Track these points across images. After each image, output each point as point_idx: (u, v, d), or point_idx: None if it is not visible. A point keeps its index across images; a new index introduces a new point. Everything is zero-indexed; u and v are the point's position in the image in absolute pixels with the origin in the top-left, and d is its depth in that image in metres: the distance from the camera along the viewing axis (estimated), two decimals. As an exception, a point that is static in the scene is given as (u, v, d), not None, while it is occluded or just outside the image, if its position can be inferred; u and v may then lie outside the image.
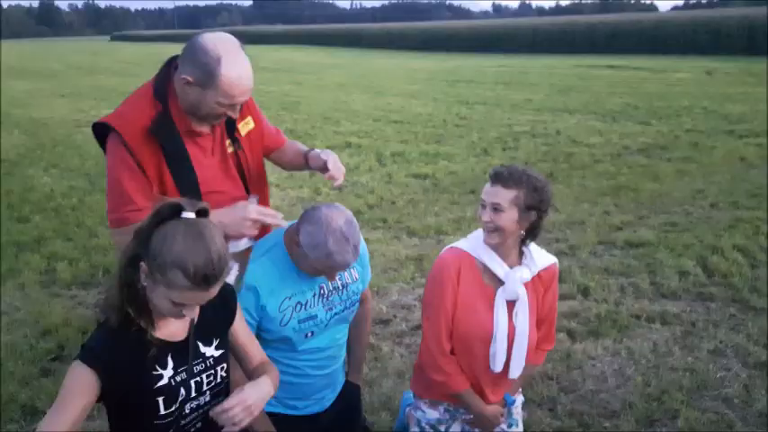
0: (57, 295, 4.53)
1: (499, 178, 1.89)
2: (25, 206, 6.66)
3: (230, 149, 2.06)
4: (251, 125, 2.13)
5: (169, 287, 1.36)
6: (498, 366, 2.00)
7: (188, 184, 1.92)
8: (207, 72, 1.81)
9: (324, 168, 2.09)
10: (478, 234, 2.03)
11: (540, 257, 2.05)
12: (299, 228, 1.84)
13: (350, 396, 2.29)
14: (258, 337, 1.96)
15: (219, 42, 1.84)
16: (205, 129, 1.97)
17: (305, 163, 2.20)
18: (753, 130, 9.81)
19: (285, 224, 1.87)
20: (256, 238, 2.00)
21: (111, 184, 1.89)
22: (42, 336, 3.89)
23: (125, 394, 1.44)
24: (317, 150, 2.17)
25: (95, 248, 5.38)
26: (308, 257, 1.82)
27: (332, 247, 1.79)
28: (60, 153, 9.60)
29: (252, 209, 1.86)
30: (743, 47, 27.34)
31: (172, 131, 1.90)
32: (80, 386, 1.40)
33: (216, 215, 1.82)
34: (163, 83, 1.92)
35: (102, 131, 1.95)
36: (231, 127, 2.04)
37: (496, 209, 1.89)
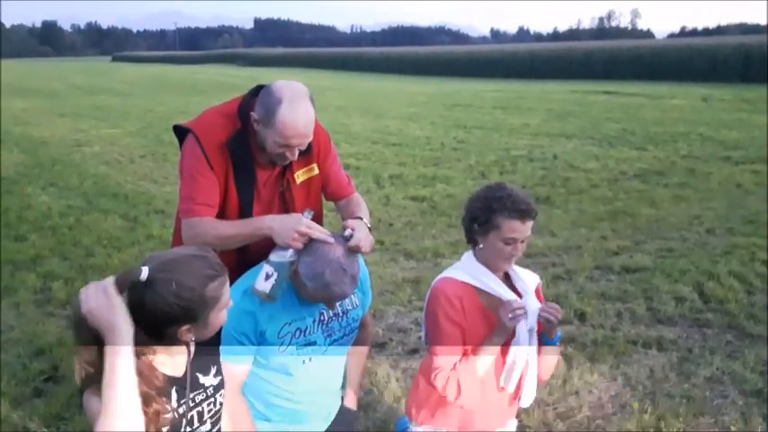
0: (51, 315, 4.51)
1: (531, 214, 1.90)
2: (22, 225, 6.65)
3: (279, 189, 2.17)
4: (314, 172, 2.23)
5: (217, 301, 1.44)
6: (512, 386, 1.99)
7: (246, 198, 2.09)
8: (268, 112, 1.96)
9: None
10: (469, 262, 2.01)
11: (524, 275, 2.06)
12: (299, 258, 1.85)
13: (345, 421, 2.27)
14: (255, 362, 1.96)
15: (285, 88, 1.98)
16: (266, 162, 2.11)
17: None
18: (748, 157, 9.88)
19: (332, 241, 1.87)
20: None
21: (187, 178, 2.07)
22: (36, 356, 3.86)
23: None
24: (354, 222, 2.05)
25: (92, 268, 5.36)
26: (307, 287, 1.83)
27: (329, 279, 1.79)
28: (59, 172, 9.62)
29: (304, 222, 1.88)
30: (739, 74, 27.67)
31: (245, 150, 2.06)
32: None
33: (269, 219, 1.97)
34: (246, 106, 2.05)
35: (181, 131, 2.13)
36: (286, 169, 2.15)
37: (524, 240, 1.93)
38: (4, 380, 3.55)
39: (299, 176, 2.19)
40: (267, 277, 1.81)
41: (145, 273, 1.35)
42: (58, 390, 3.47)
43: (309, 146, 2.10)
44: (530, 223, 1.91)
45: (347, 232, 1.93)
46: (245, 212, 2.09)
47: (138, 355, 1.40)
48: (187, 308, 1.39)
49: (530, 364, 1.99)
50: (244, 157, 2.05)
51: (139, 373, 1.35)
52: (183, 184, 2.08)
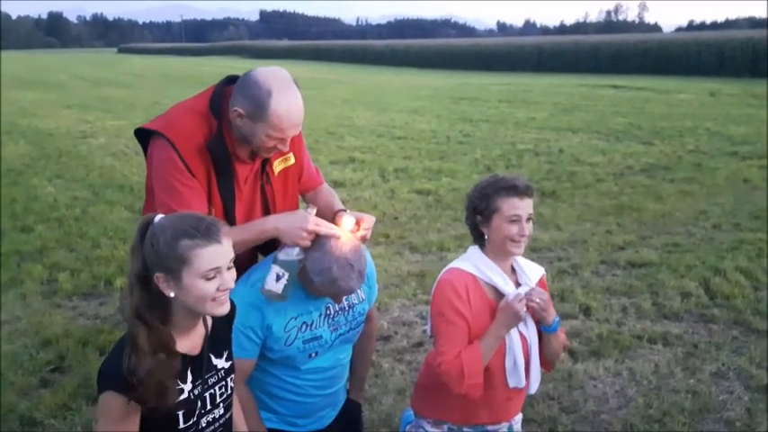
0: (58, 306, 4.53)
1: (528, 191, 1.93)
2: (29, 216, 6.68)
3: (260, 183, 2.08)
4: (290, 162, 2.14)
5: (189, 263, 1.43)
6: (521, 382, 1.99)
7: (228, 201, 1.97)
8: (257, 105, 1.83)
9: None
10: (474, 254, 2.02)
11: (529, 268, 2.06)
12: (306, 253, 1.85)
13: (351, 414, 2.28)
14: (262, 355, 1.96)
15: (271, 76, 1.86)
16: (246, 156, 2.00)
17: (332, 221, 2.07)
18: (756, 152, 9.82)
19: (340, 236, 1.86)
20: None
21: (167, 189, 1.88)
22: (42, 346, 3.88)
23: (150, 410, 1.46)
24: (348, 215, 2.04)
25: (98, 259, 5.38)
26: (314, 282, 1.83)
27: (336, 274, 1.78)
28: (65, 164, 9.65)
29: (310, 219, 1.84)
30: (746, 69, 27.48)
31: (224, 148, 1.93)
32: (123, 415, 1.43)
33: (272, 220, 1.91)
34: (218, 101, 1.93)
35: (145, 136, 1.97)
36: (265, 161, 2.06)
37: (530, 219, 1.93)
38: (10, 370, 3.57)
39: (276, 167, 2.11)
40: (278, 278, 1.80)
41: (158, 217, 1.49)
42: (65, 380, 3.49)
43: None
44: (528, 200, 1.93)
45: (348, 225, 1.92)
46: (228, 213, 1.99)
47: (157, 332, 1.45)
48: (159, 254, 1.43)
49: (532, 351, 2.00)
50: (224, 156, 1.93)
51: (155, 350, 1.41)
52: (164, 196, 1.89)
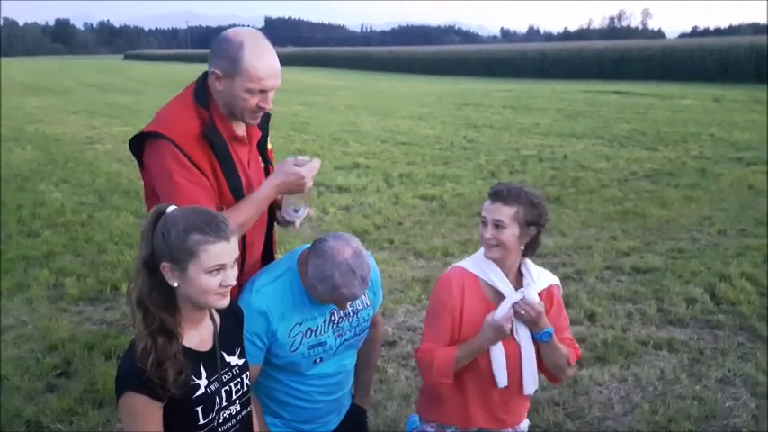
0: (64, 311, 4.55)
1: (499, 196, 1.95)
2: (35, 221, 6.71)
3: (262, 164, 2.12)
4: (270, 146, 2.20)
5: (197, 257, 1.47)
6: (502, 382, 2.00)
7: (236, 187, 1.95)
8: (231, 59, 1.84)
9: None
10: (480, 255, 2.05)
11: (539, 277, 2.06)
12: (308, 259, 1.86)
13: (356, 419, 2.28)
14: (267, 361, 1.97)
15: (242, 32, 1.90)
16: (243, 133, 2.01)
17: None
18: (760, 158, 9.79)
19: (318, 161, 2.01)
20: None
21: (174, 186, 1.85)
22: (49, 351, 3.90)
23: (168, 406, 1.49)
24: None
25: (104, 264, 5.40)
26: (317, 289, 1.84)
27: (339, 281, 1.80)
28: (72, 169, 9.69)
29: (289, 161, 1.95)
30: (750, 74, 27.42)
31: (220, 135, 1.93)
32: (145, 413, 1.47)
33: (267, 183, 1.96)
34: (203, 91, 1.94)
35: (138, 144, 1.94)
36: (263, 143, 2.11)
37: (498, 225, 1.94)
38: (17, 374, 3.58)
39: (270, 145, 2.18)
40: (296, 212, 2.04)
41: (171, 208, 1.54)
42: (71, 385, 3.50)
43: (268, 116, 2.08)
44: (498, 205, 1.94)
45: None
46: (238, 196, 1.96)
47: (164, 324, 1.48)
48: (168, 244, 1.48)
49: (523, 354, 2.00)
50: (221, 142, 1.92)
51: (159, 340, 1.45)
52: (173, 193, 1.84)
